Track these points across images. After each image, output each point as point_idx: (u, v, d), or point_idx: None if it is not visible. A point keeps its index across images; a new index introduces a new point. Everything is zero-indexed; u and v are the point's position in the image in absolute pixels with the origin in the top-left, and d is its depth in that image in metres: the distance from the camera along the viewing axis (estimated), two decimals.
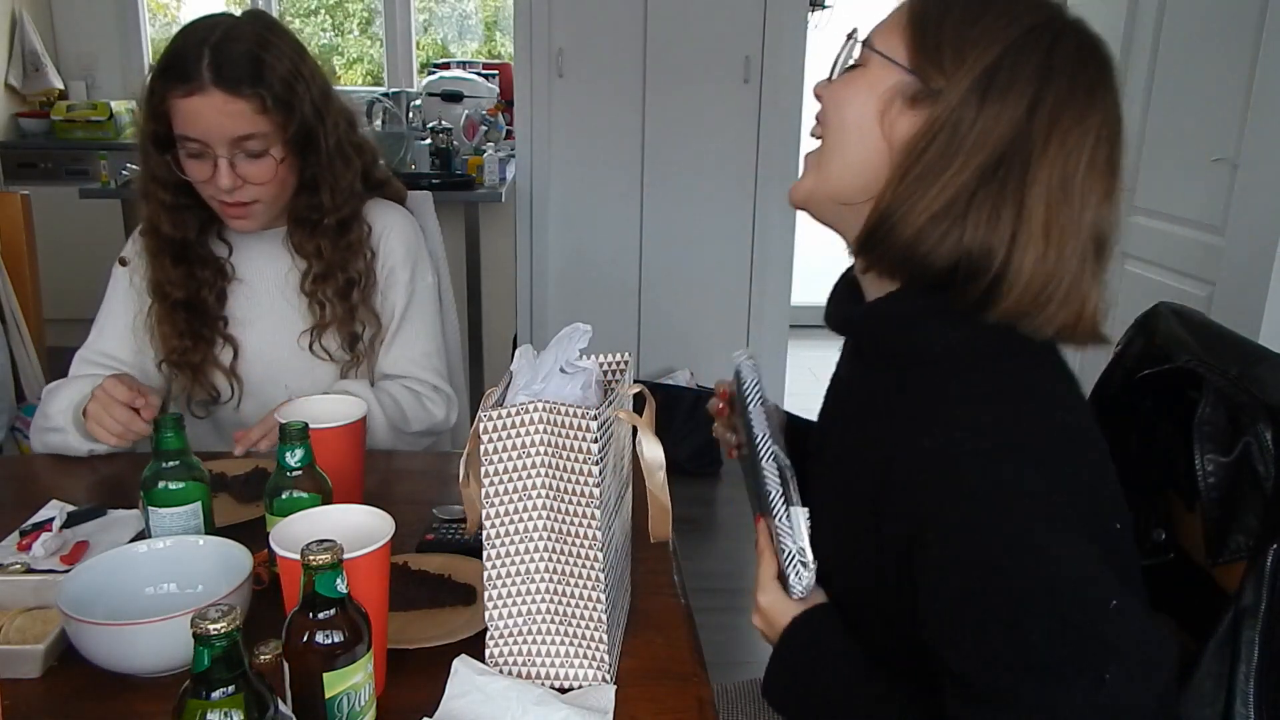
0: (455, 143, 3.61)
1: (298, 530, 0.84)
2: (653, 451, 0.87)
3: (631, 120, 3.43)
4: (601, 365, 0.96)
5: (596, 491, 0.82)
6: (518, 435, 0.83)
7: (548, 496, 0.84)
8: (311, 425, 0.99)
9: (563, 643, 0.87)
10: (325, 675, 0.72)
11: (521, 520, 0.85)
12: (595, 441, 0.81)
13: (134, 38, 4.54)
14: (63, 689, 0.87)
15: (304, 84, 1.34)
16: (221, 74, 1.27)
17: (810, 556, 0.83)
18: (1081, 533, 0.71)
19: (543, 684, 0.86)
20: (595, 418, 0.81)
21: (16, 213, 1.86)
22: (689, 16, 3.33)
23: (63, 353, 1.63)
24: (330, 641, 0.72)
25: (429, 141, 3.58)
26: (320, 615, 0.72)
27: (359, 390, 1.37)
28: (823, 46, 3.32)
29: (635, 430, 0.89)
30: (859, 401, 0.91)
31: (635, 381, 0.96)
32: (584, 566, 0.84)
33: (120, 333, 1.46)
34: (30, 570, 1.04)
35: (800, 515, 0.84)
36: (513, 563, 0.85)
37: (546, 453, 0.83)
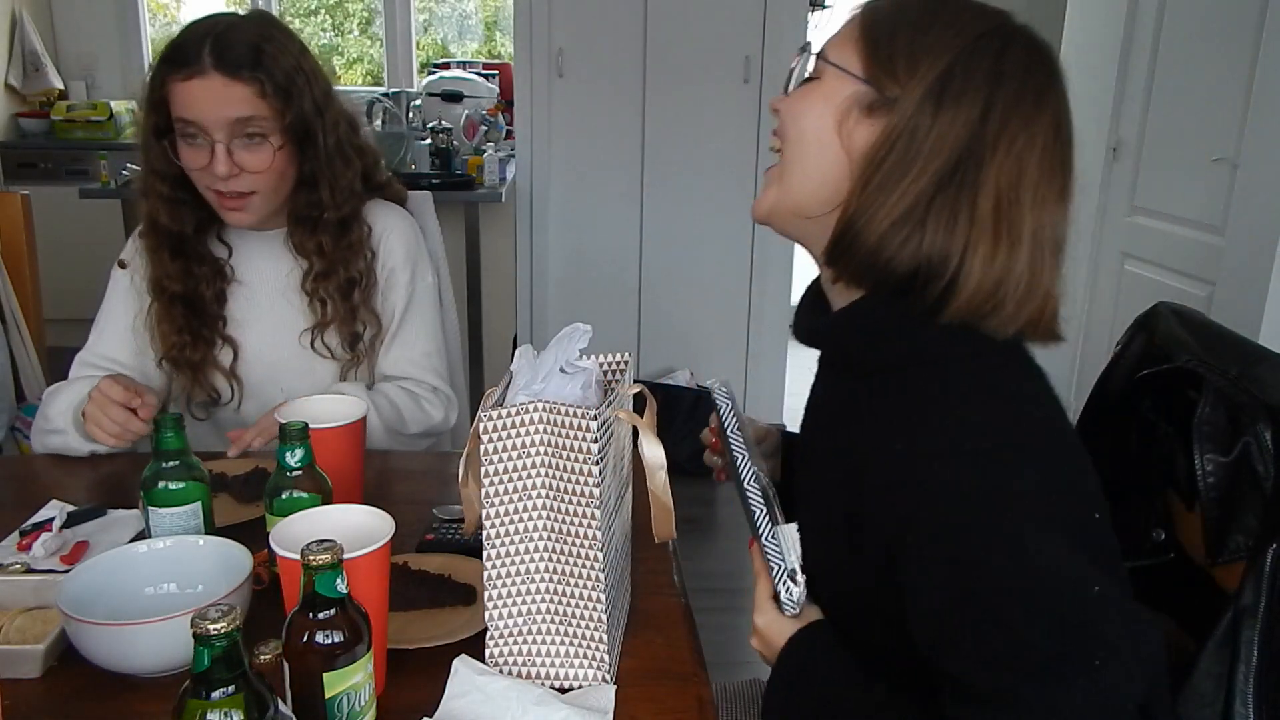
0: (455, 143, 3.62)
1: (298, 530, 0.84)
2: (653, 452, 0.87)
3: (631, 120, 3.43)
4: (601, 365, 0.96)
5: (596, 491, 0.82)
6: (518, 435, 0.83)
7: (548, 496, 0.84)
8: (311, 425, 0.99)
9: (563, 643, 0.87)
10: (325, 675, 0.73)
11: (521, 520, 0.85)
12: (595, 441, 0.81)
13: (134, 38, 4.54)
14: (63, 689, 0.87)
15: (304, 78, 1.34)
16: (222, 58, 1.28)
17: (799, 572, 0.84)
18: (1055, 525, 0.71)
19: (543, 684, 0.86)
20: (595, 418, 0.81)
21: (16, 213, 1.86)
22: (689, 16, 3.33)
23: (63, 353, 1.63)
24: (330, 641, 0.72)
25: (429, 141, 3.58)
26: (320, 615, 0.72)
27: (355, 394, 1.37)
28: None
29: (635, 430, 0.89)
30: (831, 411, 0.92)
31: (635, 381, 0.96)
32: (584, 566, 0.84)
33: (120, 334, 1.46)
34: (30, 570, 1.04)
35: (785, 532, 0.85)
36: (513, 563, 0.85)
37: (546, 453, 0.83)
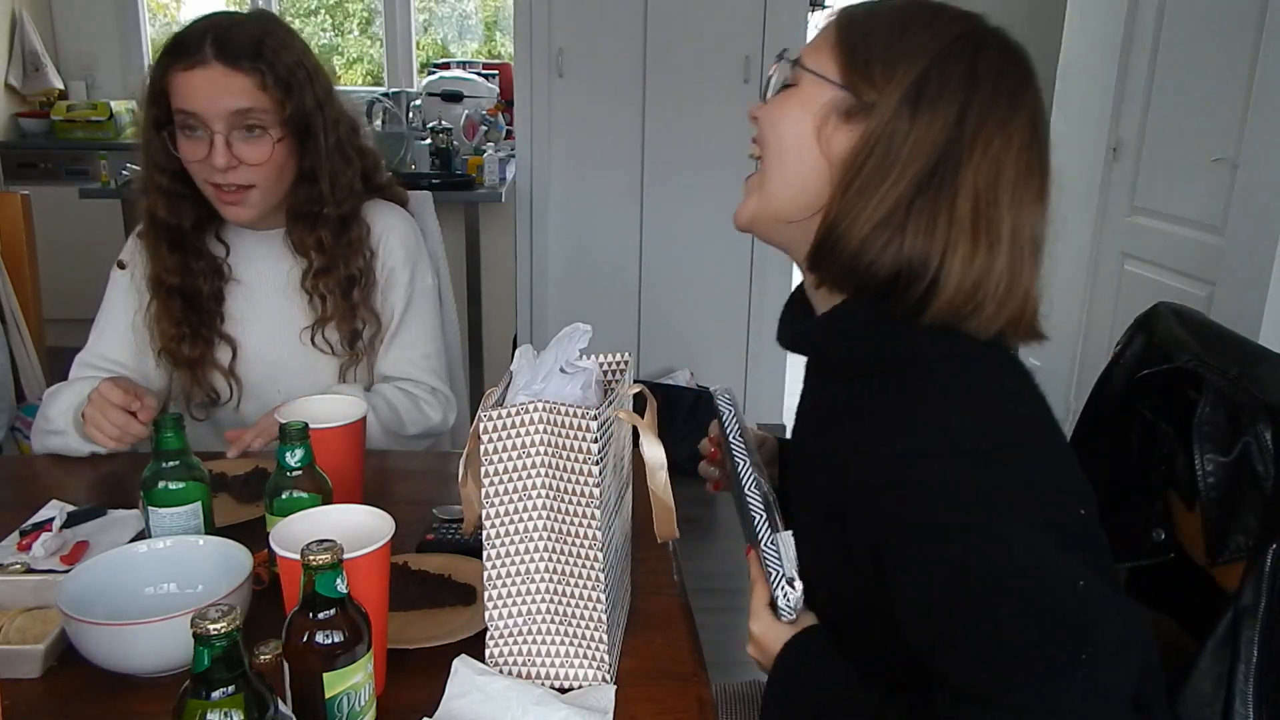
0: (455, 143, 3.62)
1: (298, 530, 0.84)
2: (654, 452, 0.87)
3: (631, 120, 3.43)
4: (601, 365, 0.96)
5: (596, 491, 0.82)
6: (518, 435, 0.83)
7: (548, 496, 0.84)
8: (311, 425, 0.99)
9: (563, 643, 0.87)
10: (325, 675, 0.72)
11: (521, 520, 0.85)
12: (595, 441, 0.81)
13: (134, 38, 4.54)
14: (63, 689, 0.87)
15: (306, 73, 1.34)
16: (224, 49, 1.29)
17: (796, 578, 0.84)
18: (1041, 522, 0.72)
19: (543, 684, 0.87)
20: (595, 418, 0.81)
21: (16, 213, 1.86)
22: (689, 16, 3.33)
23: (63, 353, 1.63)
24: (330, 641, 0.72)
25: (429, 141, 3.58)
26: (320, 615, 0.72)
27: (354, 395, 1.37)
28: None
29: (636, 430, 0.89)
30: (817, 415, 0.93)
31: (635, 381, 0.96)
32: (584, 566, 0.84)
33: (120, 335, 1.46)
34: (30, 570, 1.04)
35: (783, 539, 0.86)
36: (513, 563, 0.85)
37: (546, 453, 0.83)
